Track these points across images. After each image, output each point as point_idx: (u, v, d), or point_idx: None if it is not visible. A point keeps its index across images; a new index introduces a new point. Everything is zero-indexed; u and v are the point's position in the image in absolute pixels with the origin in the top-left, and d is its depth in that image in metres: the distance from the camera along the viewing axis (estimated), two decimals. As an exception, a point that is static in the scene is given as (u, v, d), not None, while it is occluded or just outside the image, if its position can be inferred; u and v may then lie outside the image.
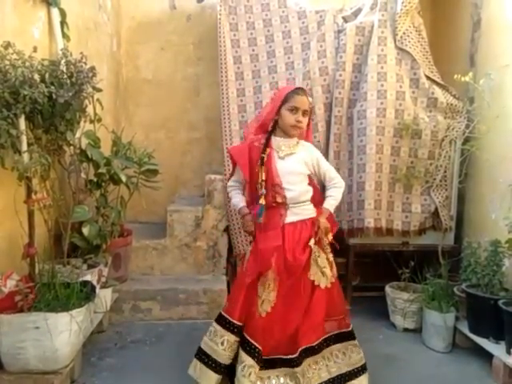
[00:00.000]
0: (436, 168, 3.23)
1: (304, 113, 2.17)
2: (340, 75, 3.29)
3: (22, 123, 2.09)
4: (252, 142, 2.25)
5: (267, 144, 2.19)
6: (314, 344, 2.12)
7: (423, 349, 2.82)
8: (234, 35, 3.54)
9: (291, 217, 2.17)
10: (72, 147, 2.55)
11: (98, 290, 2.36)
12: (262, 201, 2.13)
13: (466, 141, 3.07)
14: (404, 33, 3.26)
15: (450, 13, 3.76)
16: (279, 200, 2.15)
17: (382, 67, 3.19)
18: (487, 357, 2.53)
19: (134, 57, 4.12)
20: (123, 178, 2.80)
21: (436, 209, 3.23)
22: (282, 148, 2.20)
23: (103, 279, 2.60)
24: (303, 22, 3.50)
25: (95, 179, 2.79)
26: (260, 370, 2.04)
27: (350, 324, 2.28)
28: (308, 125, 2.27)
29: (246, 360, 2.03)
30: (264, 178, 2.13)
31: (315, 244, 2.15)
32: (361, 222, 3.16)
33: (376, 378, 2.30)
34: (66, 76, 2.25)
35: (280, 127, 2.22)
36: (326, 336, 2.18)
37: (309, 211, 2.22)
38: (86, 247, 2.66)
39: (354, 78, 3.33)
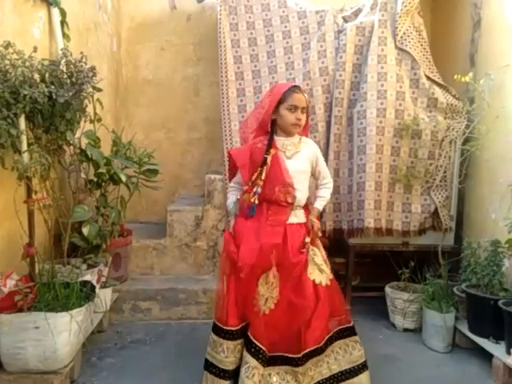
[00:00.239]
0: (436, 168, 3.23)
1: (302, 110, 2.18)
2: (340, 75, 3.29)
3: (22, 123, 2.10)
4: (254, 144, 2.24)
5: (270, 145, 2.18)
6: (320, 345, 2.12)
7: (423, 349, 2.82)
8: (234, 35, 3.54)
9: (292, 218, 2.19)
10: (72, 147, 2.55)
11: (97, 290, 2.36)
12: (255, 200, 2.13)
13: (466, 141, 3.07)
14: (404, 33, 3.26)
15: (450, 13, 3.76)
16: (290, 200, 2.16)
17: (382, 67, 3.19)
18: (487, 357, 2.53)
19: (134, 57, 4.12)
20: (123, 178, 2.80)
21: (436, 209, 3.23)
22: (289, 147, 2.21)
23: (103, 279, 2.60)
24: (303, 22, 3.50)
25: (95, 179, 2.79)
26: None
27: (351, 320, 2.28)
28: (306, 122, 2.29)
29: (250, 361, 2.03)
30: (263, 178, 2.13)
31: (310, 243, 2.16)
32: (361, 222, 3.16)
33: (376, 378, 2.30)
34: (66, 76, 2.25)
35: (280, 126, 2.22)
36: (329, 335, 2.18)
37: (303, 215, 2.24)
38: (86, 247, 2.66)
39: (354, 78, 3.33)
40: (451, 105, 3.26)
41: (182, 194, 4.10)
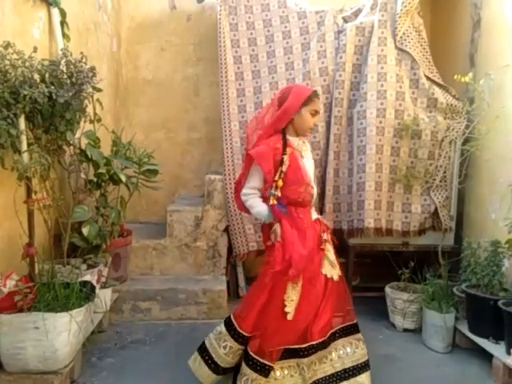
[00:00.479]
0: (436, 168, 3.23)
1: (316, 113, 2.24)
2: (340, 75, 3.29)
3: (22, 123, 2.10)
4: (274, 144, 2.15)
5: (286, 144, 2.17)
6: (325, 338, 2.13)
7: (423, 349, 2.82)
8: (234, 35, 3.54)
9: (313, 215, 2.25)
10: (72, 147, 2.55)
11: (97, 290, 2.36)
12: (273, 200, 2.10)
13: (466, 141, 3.07)
14: (404, 33, 3.26)
15: (449, 13, 3.76)
16: (309, 198, 2.19)
17: (381, 67, 3.19)
18: (487, 357, 2.53)
19: (134, 57, 4.12)
20: (123, 178, 2.80)
21: (436, 209, 3.23)
22: (303, 148, 2.24)
23: (103, 279, 2.60)
24: (303, 23, 3.50)
25: (95, 179, 2.79)
26: None
27: (355, 317, 2.28)
28: None
29: (249, 373, 2.00)
30: (280, 179, 2.10)
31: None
32: (361, 223, 3.16)
33: (376, 378, 2.29)
34: (65, 76, 2.25)
35: (295, 126, 2.20)
36: (333, 330, 2.19)
37: (316, 212, 2.31)
38: (86, 247, 2.66)
39: (354, 79, 3.33)
40: (451, 105, 3.26)
41: (181, 195, 4.10)
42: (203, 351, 2.16)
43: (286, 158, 2.12)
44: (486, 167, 3.11)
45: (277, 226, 2.12)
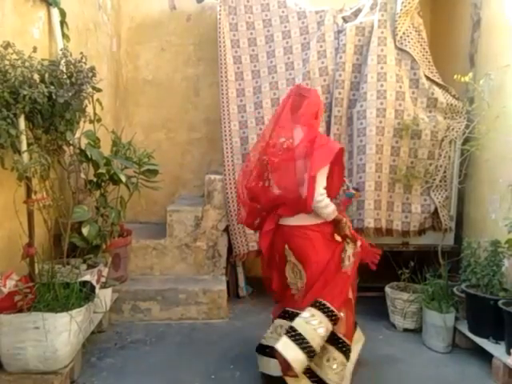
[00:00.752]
0: (436, 168, 3.23)
1: None
2: (340, 75, 3.29)
3: (22, 123, 2.10)
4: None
5: None
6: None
7: (423, 349, 2.81)
8: (234, 35, 3.54)
9: None
10: (72, 147, 2.55)
11: (97, 290, 2.36)
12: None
13: (466, 141, 3.07)
14: (404, 33, 3.26)
15: (449, 13, 3.76)
16: None
17: (381, 67, 3.19)
18: (487, 357, 2.53)
19: (134, 57, 4.12)
20: (123, 178, 2.80)
21: (436, 209, 3.23)
22: None
23: (103, 279, 2.60)
24: (303, 22, 3.50)
25: (95, 179, 2.79)
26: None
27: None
28: None
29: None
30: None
31: None
32: (361, 222, 3.16)
33: (376, 378, 2.30)
34: (65, 76, 2.25)
35: None
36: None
37: None
38: (86, 247, 2.66)
39: (354, 78, 3.33)
40: (451, 105, 3.26)
41: (181, 195, 4.10)
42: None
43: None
44: (486, 167, 3.11)
45: (347, 220, 2.31)
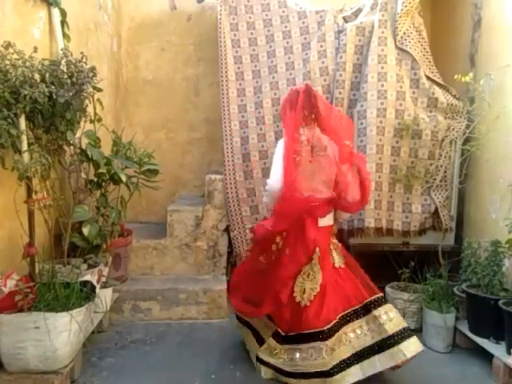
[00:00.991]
0: (436, 168, 3.23)
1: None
2: (340, 75, 3.29)
3: (23, 123, 2.10)
4: None
5: None
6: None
7: (423, 349, 2.81)
8: (235, 35, 3.54)
9: None
10: (72, 147, 2.55)
11: (97, 290, 2.36)
12: None
13: (467, 141, 3.07)
14: (404, 33, 3.26)
15: (450, 13, 3.76)
16: None
17: (382, 67, 3.19)
18: (487, 357, 2.53)
19: (135, 57, 4.13)
20: (123, 178, 2.80)
21: (436, 209, 3.23)
22: None
23: (103, 279, 2.60)
24: (303, 22, 3.50)
25: (95, 179, 2.79)
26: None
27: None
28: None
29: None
30: None
31: None
32: (361, 222, 3.16)
33: (376, 377, 2.29)
34: (66, 76, 2.25)
35: None
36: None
37: None
38: (86, 247, 2.66)
39: (355, 78, 3.33)
40: (451, 105, 3.26)
41: (182, 194, 4.10)
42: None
43: None
44: (487, 167, 3.11)
45: None
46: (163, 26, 4.09)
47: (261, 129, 3.43)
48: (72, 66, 2.29)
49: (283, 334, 2.33)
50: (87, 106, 2.48)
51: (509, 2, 2.95)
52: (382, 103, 3.15)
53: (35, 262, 2.25)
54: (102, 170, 2.72)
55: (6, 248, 2.23)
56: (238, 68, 3.54)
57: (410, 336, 2.30)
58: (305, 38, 3.48)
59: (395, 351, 2.24)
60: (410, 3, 3.20)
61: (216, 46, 3.54)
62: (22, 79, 2.01)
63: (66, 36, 2.75)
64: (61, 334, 2.06)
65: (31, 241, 2.22)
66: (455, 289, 2.90)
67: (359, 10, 3.49)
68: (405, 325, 2.35)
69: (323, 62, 3.35)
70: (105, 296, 2.60)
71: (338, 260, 2.48)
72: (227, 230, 3.44)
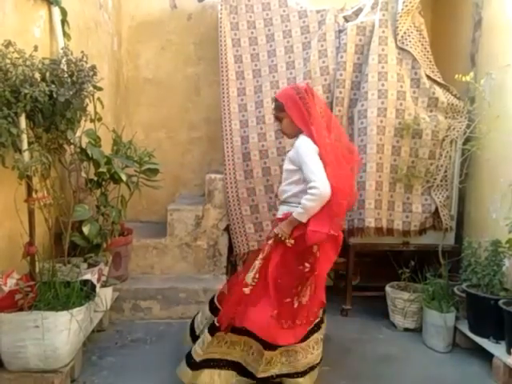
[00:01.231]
0: (437, 168, 3.22)
1: (277, 118, 2.37)
2: (341, 75, 3.29)
3: (23, 122, 2.10)
4: None
5: None
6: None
7: (423, 349, 2.82)
8: (235, 34, 3.54)
9: (279, 212, 2.34)
10: (72, 146, 2.55)
11: (98, 289, 2.37)
12: None
13: (467, 141, 3.07)
14: (405, 32, 3.26)
15: (450, 12, 3.75)
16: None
17: (382, 67, 3.19)
18: (487, 357, 2.53)
19: (135, 56, 4.12)
20: (123, 177, 2.80)
21: (436, 209, 3.23)
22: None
23: (103, 278, 2.60)
24: (304, 22, 3.49)
25: (96, 178, 2.79)
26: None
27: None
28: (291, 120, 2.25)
29: None
30: None
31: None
32: (361, 222, 3.16)
33: (376, 377, 2.30)
34: (66, 75, 2.25)
35: None
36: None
37: (284, 211, 2.26)
38: (87, 246, 2.66)
39: (355, 78, 3.33)
40: (452, 104, 3.25)
41: (182, 194, 4.10)
42: None
43: None
44: (487, 167, 3.11)
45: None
46: (164, 24, 4.09)
47: (261, 128, 3.42)
48: (72, 65, 2.29)
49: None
50: (87, 104, 2.48)
51: (509, 1, 2.95)
52: (382, 103, 3.15)
53: (35, 261, 2.25)
54: (103, 169, 2.71)
55: (6, 247, 2.23)
56: (239, 67, 3.54)
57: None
58: (305, 38, 3.47)
59: None
60: (410, 3, 3.20)
61: (216, 45, 3.54)
62: (22, 78, 2.00)
63: (66, 35, 2.74)
64: (61, 332, 2.06)
65: (31, 240, 2.22)
66: (455, 288, 2.90)
67: (360, 10, 3.49)
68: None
69: (324, 62, 3.35)
70: (105, 295, 2.61)
71: None
72: (227, 229, 3.44)
